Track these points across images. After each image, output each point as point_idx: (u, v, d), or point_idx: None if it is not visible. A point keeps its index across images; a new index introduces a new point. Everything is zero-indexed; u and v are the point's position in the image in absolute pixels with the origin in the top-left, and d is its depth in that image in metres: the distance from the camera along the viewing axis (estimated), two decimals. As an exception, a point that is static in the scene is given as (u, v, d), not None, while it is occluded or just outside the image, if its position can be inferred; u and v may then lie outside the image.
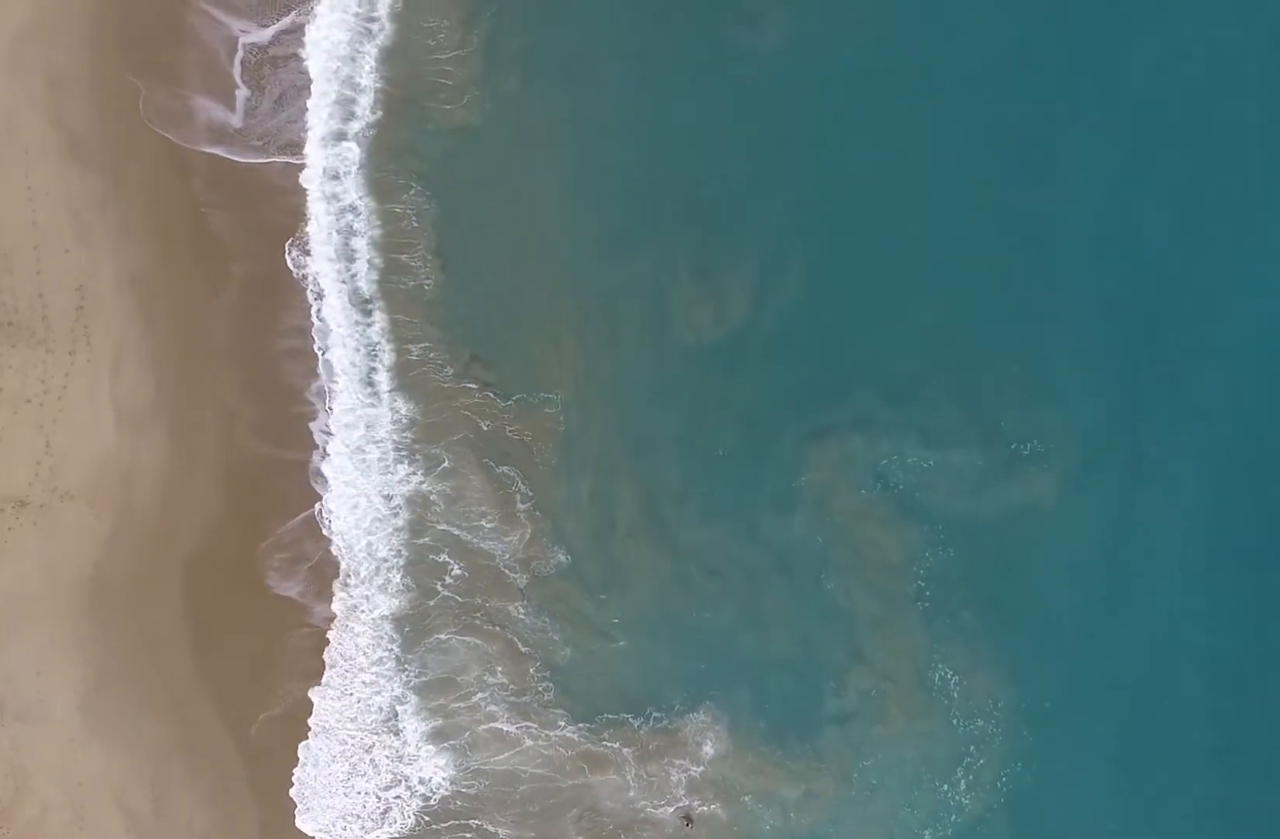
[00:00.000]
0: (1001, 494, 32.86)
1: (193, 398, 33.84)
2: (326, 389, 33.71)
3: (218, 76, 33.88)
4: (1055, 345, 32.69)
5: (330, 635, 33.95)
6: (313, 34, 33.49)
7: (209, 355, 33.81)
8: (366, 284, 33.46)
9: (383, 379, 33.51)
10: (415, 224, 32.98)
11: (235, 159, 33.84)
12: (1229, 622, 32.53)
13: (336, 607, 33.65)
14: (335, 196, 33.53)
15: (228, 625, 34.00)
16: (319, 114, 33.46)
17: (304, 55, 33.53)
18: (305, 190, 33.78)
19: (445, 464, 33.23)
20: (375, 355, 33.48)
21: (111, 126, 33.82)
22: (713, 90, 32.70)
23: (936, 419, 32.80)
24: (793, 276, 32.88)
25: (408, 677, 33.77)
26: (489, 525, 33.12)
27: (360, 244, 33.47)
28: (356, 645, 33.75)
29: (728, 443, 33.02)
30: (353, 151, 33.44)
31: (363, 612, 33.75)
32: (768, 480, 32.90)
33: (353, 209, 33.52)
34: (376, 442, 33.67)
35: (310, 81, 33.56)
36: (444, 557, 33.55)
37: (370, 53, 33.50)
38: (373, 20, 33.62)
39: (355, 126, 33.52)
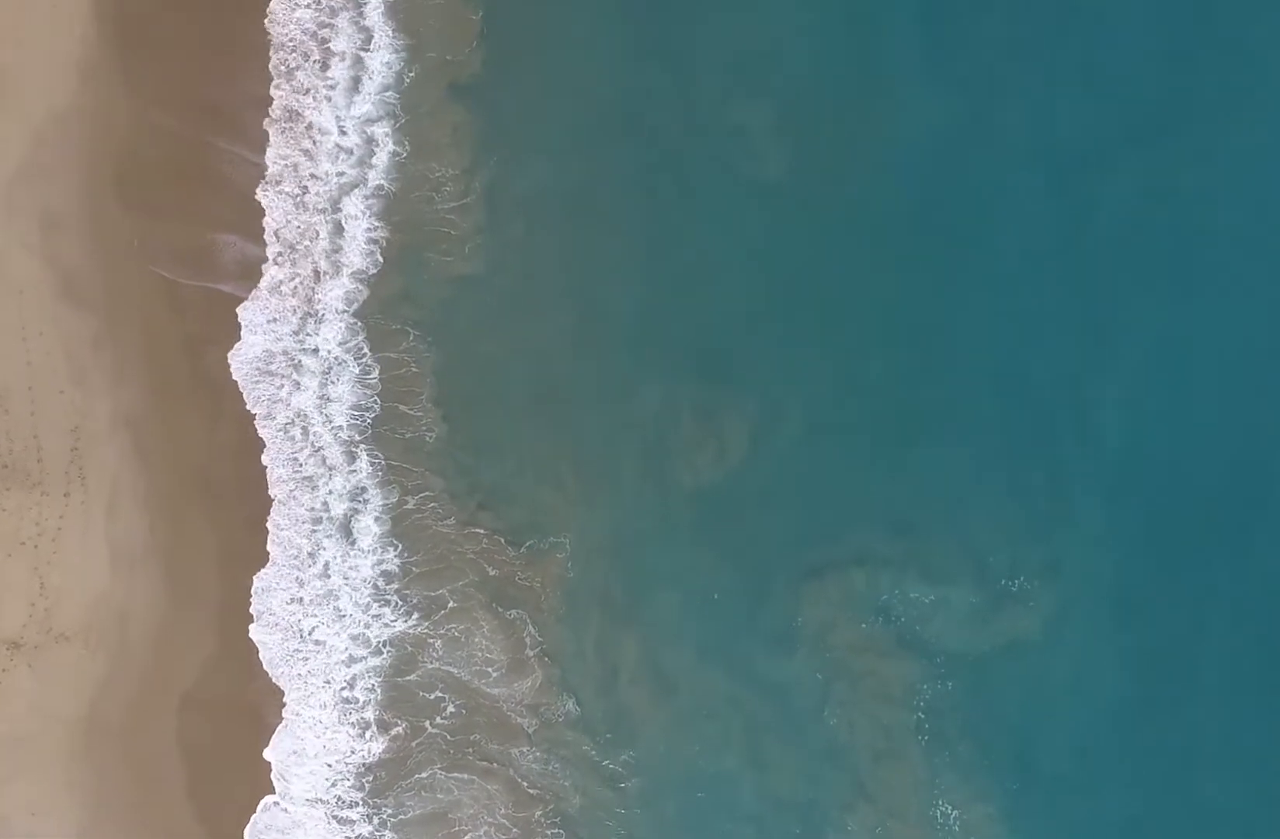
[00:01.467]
0: (993, 628, 32.83)
1: (187, 538, 33.80)
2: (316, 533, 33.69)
3: (216, 213, 34.10)
4: (1043, 486, 32.75)
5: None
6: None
7: (204, 495, 33.80)
8: (356, 432, 33.55)
9: (370, 525, 33.42)
10: (414, 370, 33.04)
11: (234, 293, 34.07)
12: (1222, 760, 32.33)
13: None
14: (329, 344, 33.70)
15: (223, 766, 33.81)
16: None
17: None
18: (302, 327, 34.03)
19: (449, 607, 33.15)
20: (364, 501, 33.47)
21: (106, 265, 34.04)
22: (715, 233, 32.94)
23: (933, 556, 32.79)
24: (791, 418, 32.92)
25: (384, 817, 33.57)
26: (495, 673, 33.01)
27: (346, 393, 33.55)
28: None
29: (729, 585, 32.95)
30: (351, 296, 33.59)
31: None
32: (768, 620, 32.86)
33: (342, 360, 33.60)
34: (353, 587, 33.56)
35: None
36: (438, 693, 33.44)
37: (372, 203, 33.66)
38: (371, 167, 33.96)
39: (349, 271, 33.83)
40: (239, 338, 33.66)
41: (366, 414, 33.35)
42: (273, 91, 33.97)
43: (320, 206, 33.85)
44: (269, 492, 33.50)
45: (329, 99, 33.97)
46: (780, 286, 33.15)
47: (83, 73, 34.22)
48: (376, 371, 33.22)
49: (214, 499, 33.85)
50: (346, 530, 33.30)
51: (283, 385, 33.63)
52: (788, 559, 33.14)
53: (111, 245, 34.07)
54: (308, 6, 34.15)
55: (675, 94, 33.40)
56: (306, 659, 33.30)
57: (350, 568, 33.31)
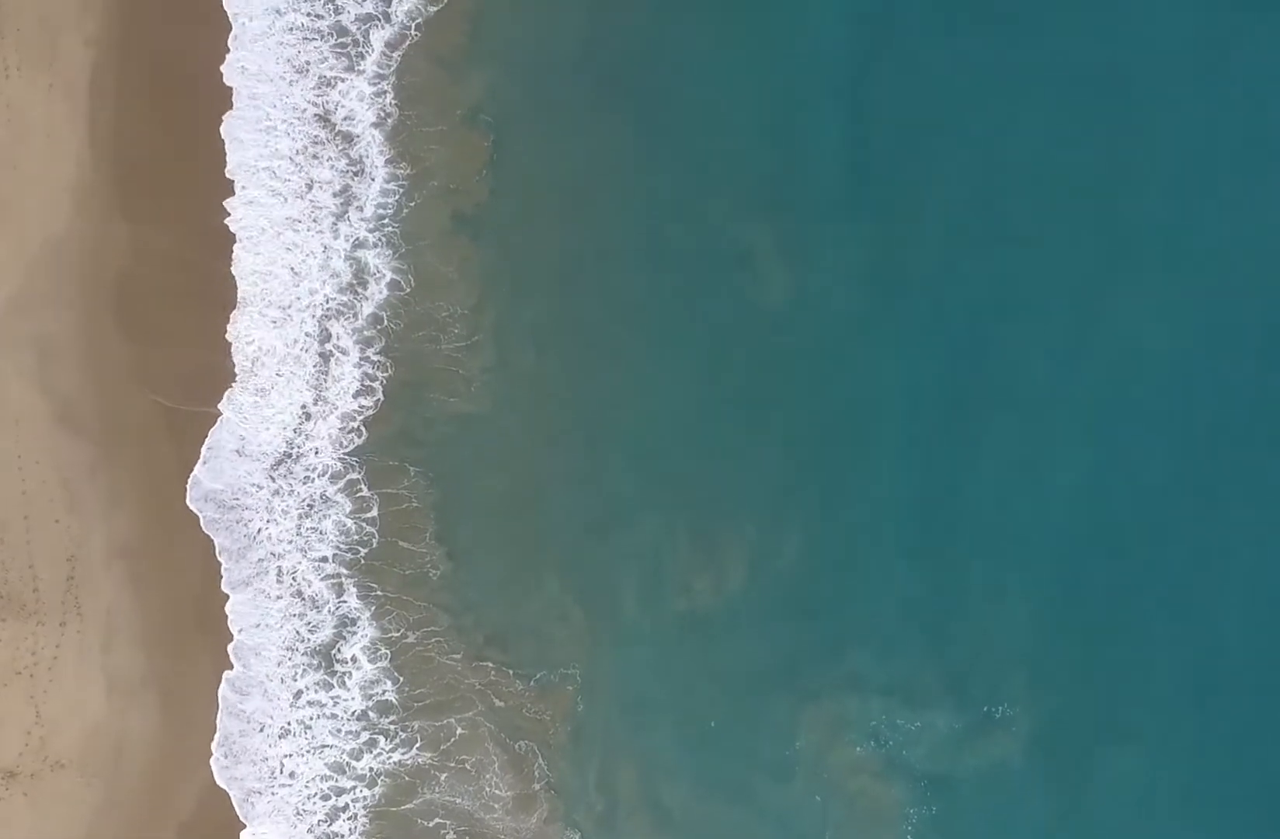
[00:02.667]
0: (976, 753, 33.64)
1: (183, 666, 33.90)
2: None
3: (214, 337, 34.11)
4: (1023, 616, 33.55)
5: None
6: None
7: (200, 624, 33.94)
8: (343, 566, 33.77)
9: (359, 657, 33.64)
10: (415, 504, 33.27)
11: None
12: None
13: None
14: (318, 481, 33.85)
15: (219, 894, 34.09)
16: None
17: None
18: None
19: (456, 736, 33.41)
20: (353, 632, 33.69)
21: (103, 392, 34.01)
22: (719, 362, 33.52)
23: (919, 682, 33.58)
24: (786, 546, 33.42)
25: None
26: (499, 806, 33.34)
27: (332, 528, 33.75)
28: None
29: (726, 712, 33.52)
30: (341, 436, 33.72)
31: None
32: (768, 745, 33.27)
33: (329, 498, 33.77)
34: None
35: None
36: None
37: (368, 335, 33.76)
38: (366, 298, 34.05)
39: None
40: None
41: (361, 548, 33.44)
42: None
43: (309, 333, 33.80)
44: (249, 625, 33.53)
45: (318, 227, 33.93)
46: (781, 416, 33.63)
47: (78, 198, 34.14)
48: (376, 507, 33.25)
49: (210, 627, 33.92)
50: (331, 661, 33.42)
51: (257, 518, 33.62)
52: (783, 685, 33.68)
53: (108, 372, 34.04)
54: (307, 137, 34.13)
55: (682, 221, 33.71)
56: (277, 793, 33.39)
57: (338, 700, 33.47)
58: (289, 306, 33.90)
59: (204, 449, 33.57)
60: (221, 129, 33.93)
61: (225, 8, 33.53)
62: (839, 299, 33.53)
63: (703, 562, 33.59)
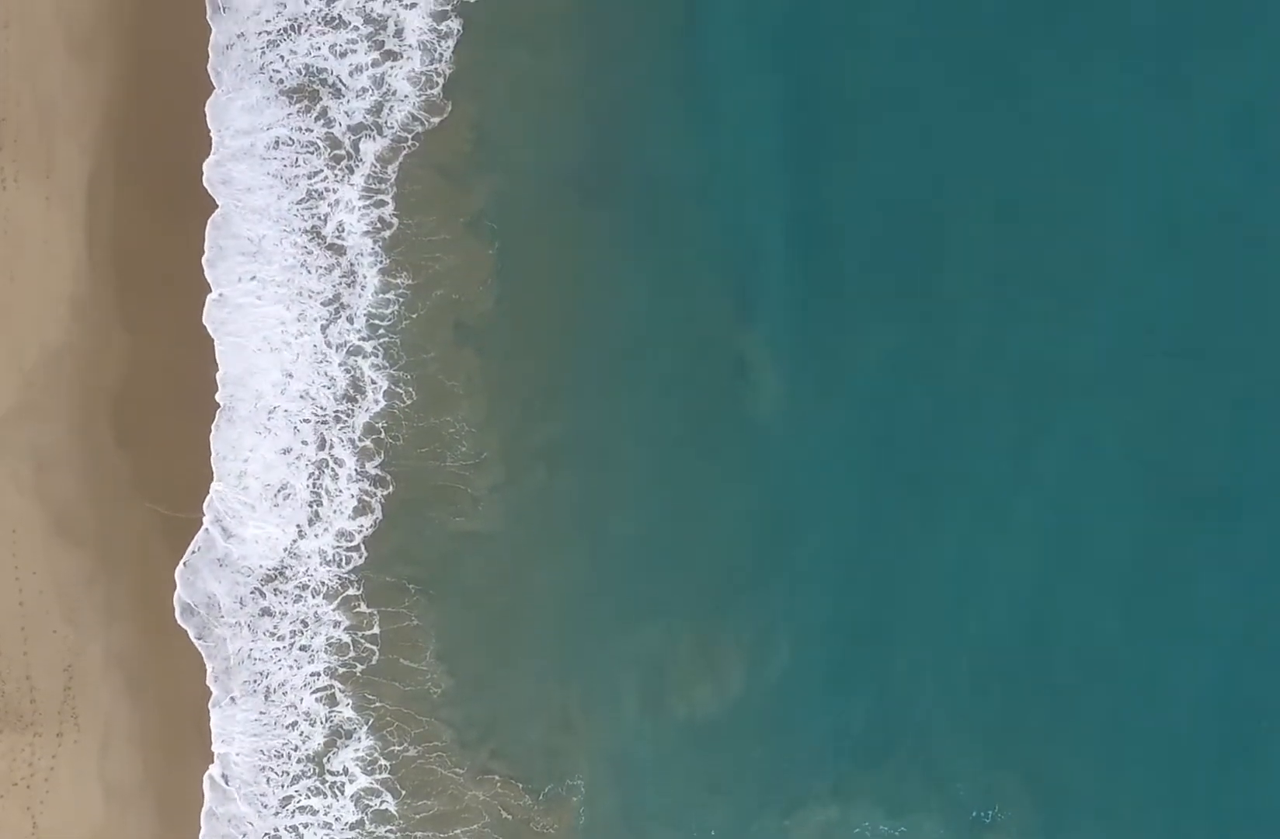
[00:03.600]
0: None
1: (182, 775, 34.04)
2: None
3: (209, 446, 34.25)
4: (1012, 717, 33.97)
5: None
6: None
7: (199, 732, 34.07)
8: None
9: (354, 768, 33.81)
10: (415, 622, 33.43)
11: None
12: None
13: None
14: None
15: None
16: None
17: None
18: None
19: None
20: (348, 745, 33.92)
21: (100, 502, 34.11)
22: (719, 473, 33.85)
23: (904, 787, 33.99)
24: (781, 654, 33.84)
25: None
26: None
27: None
28: None
29: (723, 820, 33.89)
30: (336, 556, 33.86)
31: None
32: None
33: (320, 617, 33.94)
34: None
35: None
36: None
37: (365, 446, 33.88)
38: (365, 411, 34.28)
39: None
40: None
41: (359, 664, 33.59)
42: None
43: (302, 442, 33.96)
44: (238, 735, 33.65)
45: (311, 337, 34.12)
46: (781, 526, 34.09)
47: (75, 307, 34.20)
48: (376, 623, 33.45)
49: (208, 733, 34.06)
50: (324, 771, 33.57)
51: (245, 635, 33.69)
52: (773, 791, 34.23)
53: (106, 481, 34.14)
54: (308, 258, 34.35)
55: (685, 332, 34.11)
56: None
57: (330, 808, 33.64)
58: (274, 411, 33.88)
59: (183, 565, 33.49)
60: (205, 236, 33.91)
61: (208, 123, 33.38)
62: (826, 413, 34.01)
63: (702, 671, 33.87)
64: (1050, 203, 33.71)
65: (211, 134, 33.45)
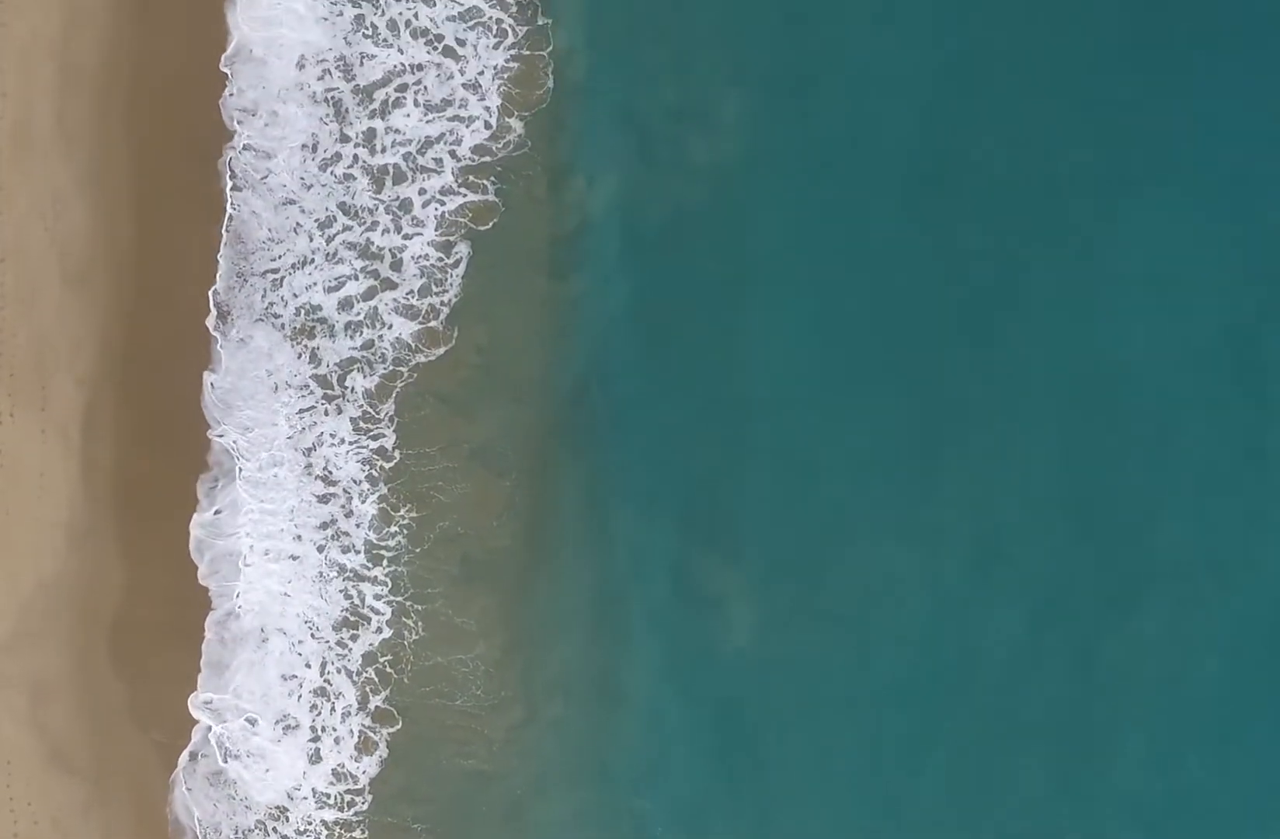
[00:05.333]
0: None
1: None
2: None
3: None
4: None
5: None
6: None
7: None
8: None
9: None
10: (421, 840, 33.74)
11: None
12: None
13: None
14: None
15: None
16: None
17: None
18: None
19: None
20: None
21: (97, 732, 34.34)
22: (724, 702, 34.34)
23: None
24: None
25: None
26: None
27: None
28: None
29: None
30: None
31: None
32: None
33: None
34: None
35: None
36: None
37: (377, 692, 34.35)
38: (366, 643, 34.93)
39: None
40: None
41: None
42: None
43: (299, 675, 34.42)
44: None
45: (313, 570, 34.74)
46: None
47: (72, 538, 34.42)
48: (383, 862, 33.76)
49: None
50: None
51: None
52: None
53: (102, 711, 34.39)
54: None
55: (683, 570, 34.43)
56: None
57: None
58: (270, 638, 34.37)
59: (180, 791, 33.86)
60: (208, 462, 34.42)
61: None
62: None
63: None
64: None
65: (209, 379, 33.97)
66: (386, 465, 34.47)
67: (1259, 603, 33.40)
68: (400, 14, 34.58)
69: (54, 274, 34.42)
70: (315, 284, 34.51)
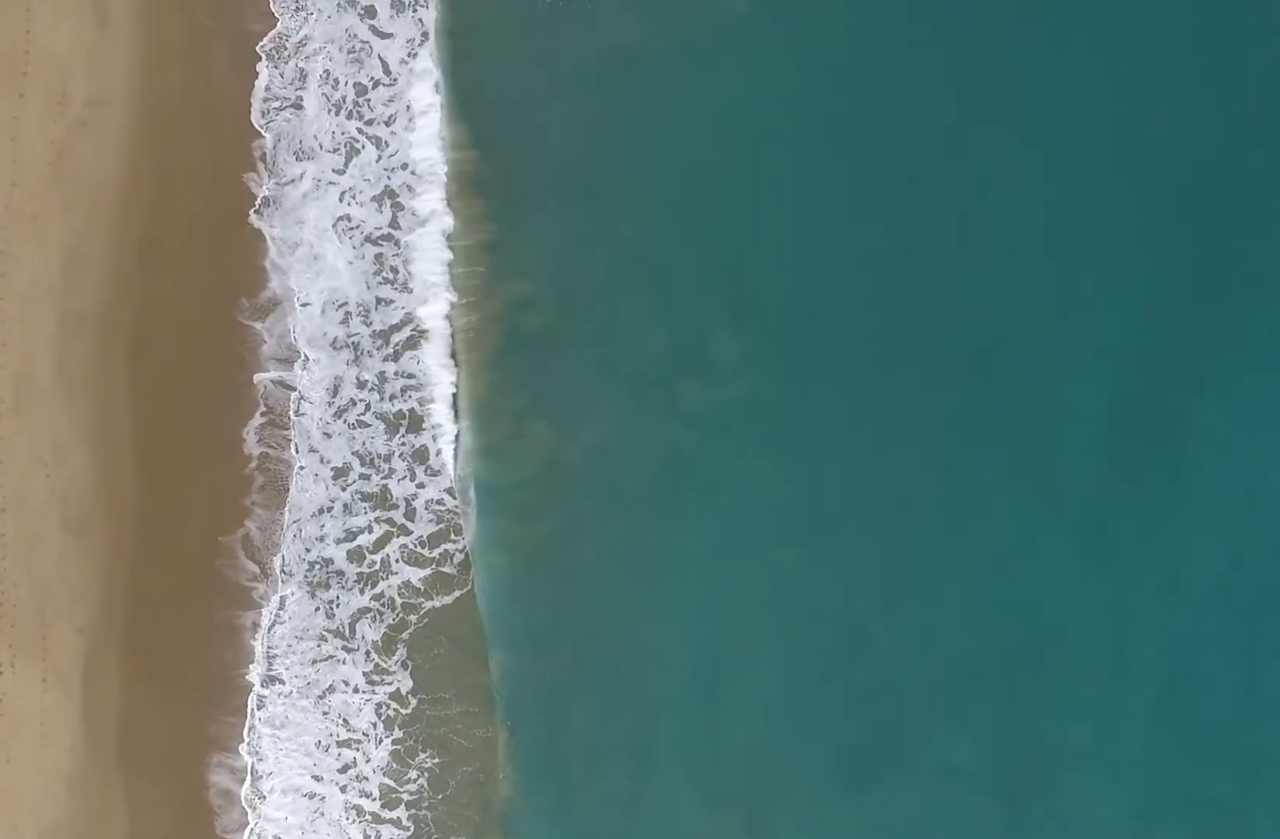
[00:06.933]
0: None
1: None
2: None
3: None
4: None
5: None
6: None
7: None
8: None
9: None
10: None
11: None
12: None
13: None
14: None
15: None
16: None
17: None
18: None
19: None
20: None
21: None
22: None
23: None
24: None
25: None
26: None
27: None
28: None
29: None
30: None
31: None
32: None
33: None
34: None
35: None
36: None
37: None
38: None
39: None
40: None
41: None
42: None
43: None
44: None
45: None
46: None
47: (72, 785, 34.23)
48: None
49: None
50: None
51: None
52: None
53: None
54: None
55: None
56: None
57: None
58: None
59: None
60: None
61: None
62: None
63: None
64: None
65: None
66: (405, 712, 34.80)
67: None
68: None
69: (54, 522, 33.81)
70: (325, 535, 34.49)
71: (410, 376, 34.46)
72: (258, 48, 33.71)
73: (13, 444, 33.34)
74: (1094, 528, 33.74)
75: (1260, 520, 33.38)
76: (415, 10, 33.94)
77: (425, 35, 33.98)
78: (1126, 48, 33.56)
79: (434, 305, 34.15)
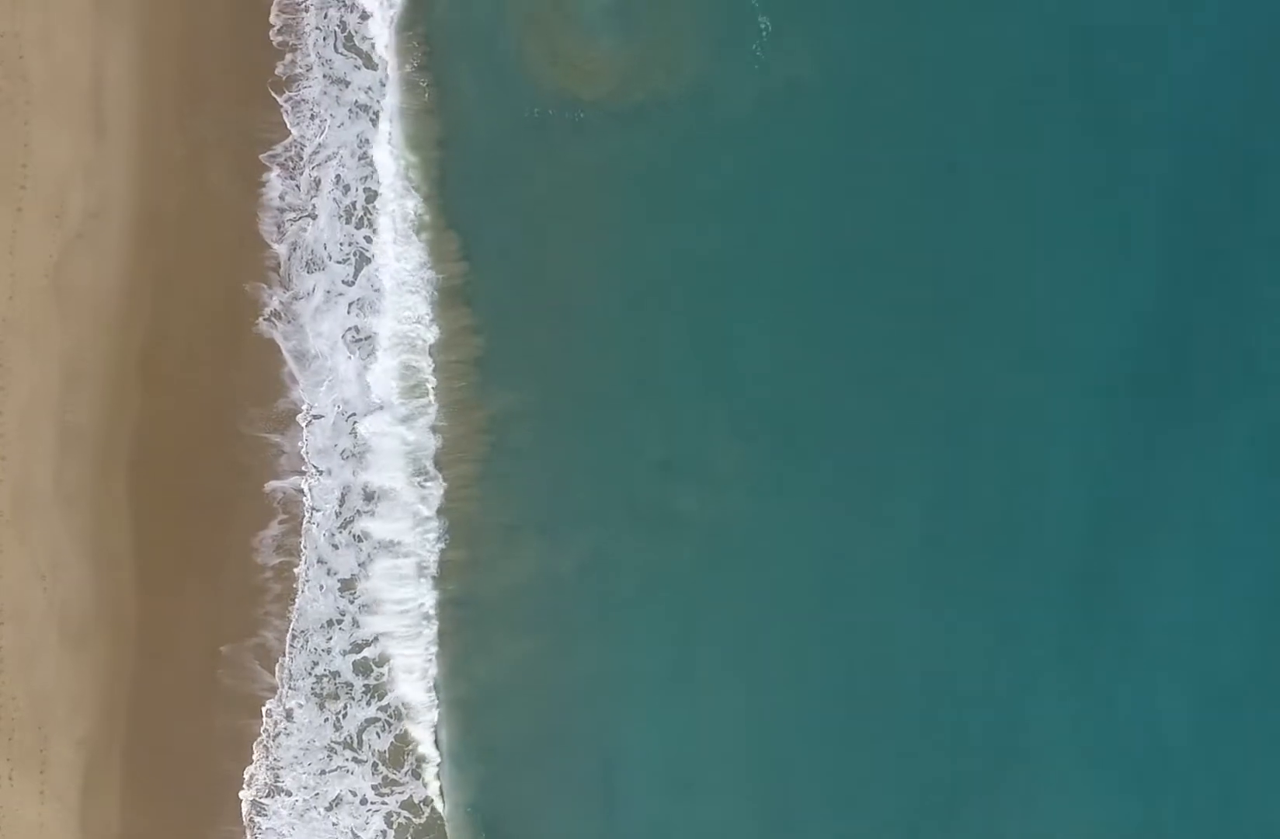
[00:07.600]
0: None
1: None
2: None
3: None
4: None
5: None
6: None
7: None
8: None
9: None
10: None
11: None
12: None
13: None
14: None
15: None
16: None
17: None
18: None
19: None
20: None
21: None
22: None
23: None
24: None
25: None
26: None
27: None
28: None
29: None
30: None
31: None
32: None
33: None
34: None
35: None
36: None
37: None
38: None
39: None
40: None
41: None
42: None
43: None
44: None
45: None
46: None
47: None
48: None
49: None
50: None
51: None
52: None
53: None
54: None
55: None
56: None
57: None
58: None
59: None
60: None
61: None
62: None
63: None
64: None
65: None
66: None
67: None
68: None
69: (53, 635, 33.55)
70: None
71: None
72: (266, 157, 33.49)
73: (11, 557, 33.05)
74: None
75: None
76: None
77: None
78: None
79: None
